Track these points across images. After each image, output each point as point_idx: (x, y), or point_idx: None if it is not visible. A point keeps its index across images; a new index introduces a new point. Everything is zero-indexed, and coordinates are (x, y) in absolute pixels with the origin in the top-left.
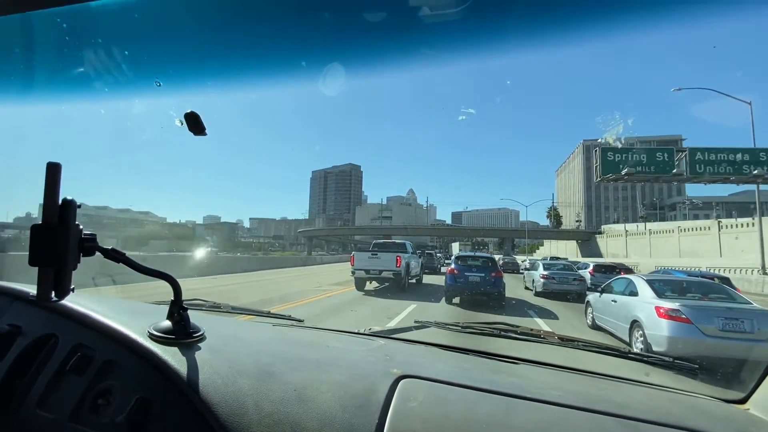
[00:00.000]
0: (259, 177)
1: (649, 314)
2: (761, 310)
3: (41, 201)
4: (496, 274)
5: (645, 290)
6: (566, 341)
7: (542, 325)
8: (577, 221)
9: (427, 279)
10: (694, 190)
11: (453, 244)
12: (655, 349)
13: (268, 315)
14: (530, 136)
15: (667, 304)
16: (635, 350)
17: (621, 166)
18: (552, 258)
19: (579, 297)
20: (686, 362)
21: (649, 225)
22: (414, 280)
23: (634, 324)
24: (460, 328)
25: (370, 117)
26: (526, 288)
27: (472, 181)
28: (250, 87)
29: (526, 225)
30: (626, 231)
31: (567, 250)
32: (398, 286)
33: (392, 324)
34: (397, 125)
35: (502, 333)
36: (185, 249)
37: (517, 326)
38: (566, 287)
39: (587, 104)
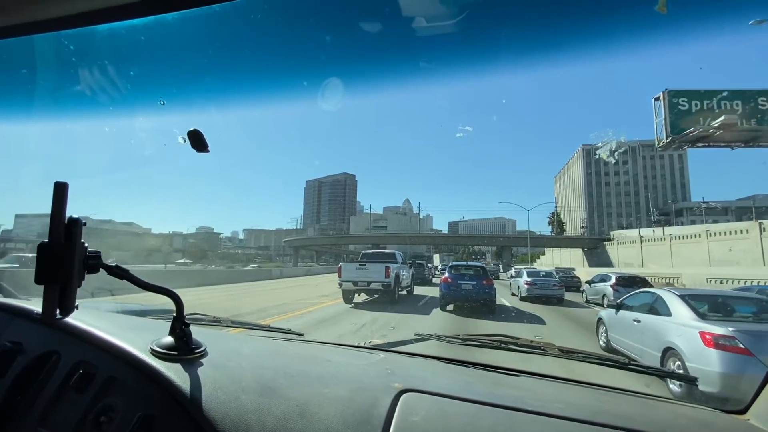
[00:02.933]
0: (256, 189)
1: (691, 341)
2: None
3: (17, 212)
4: (487, 282)
5: (680, 309)
6: (566, 353)
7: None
8: (582, 227)
9: (419, 290)
10: (698, 197)
11: (434, 256)
12: (702, 388)
13: (268, 329)
14: (526, 144)
15: (716, 329)
16: (670, 386)
17: (705, 120)
18: (557, 269)
19: (559, 301)
20: (686, 373)
21: (669, 229)
22: (405, 291)
23: (669, 352)
24: (460, 341)
25: (369, 130)
26: (513, 294)
27: (469, 191)
28: (252, 105)
29: (528, 232)
30: (641, 237)
31: (571, 259)
32: (388, 298)
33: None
34: (394, 137)
35: (503, 345)
36: (155, 261)
37: (518, 338)
38: (547, 292)
39: (583, 109)
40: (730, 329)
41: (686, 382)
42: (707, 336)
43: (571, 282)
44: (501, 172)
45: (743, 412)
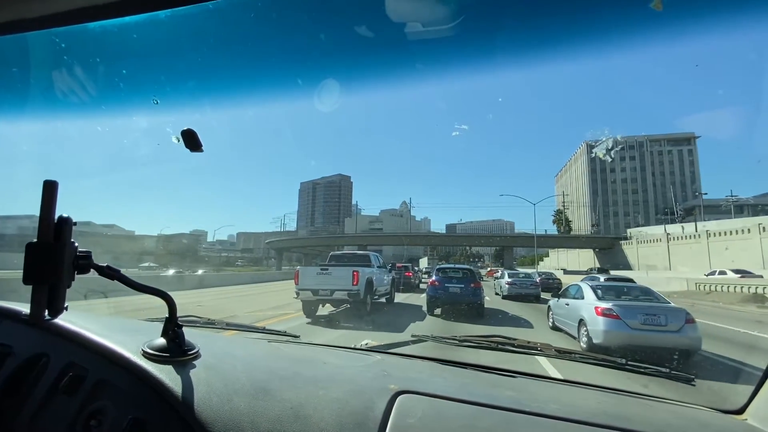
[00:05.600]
0: (251, 192)
1: (591, 313)
2: (673, 307)
3: None
4: (475, 284)
5: (589, 294)
6: (563, 353)
7: (516, 332)
8: (593, 225)
9: (404, 299)
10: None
11: (421, 259)
12: (594, 341)
13: (264, 331)
14: (525, 144)
15: (603, 305)
16: (583, 344)
17: None
18: (540, 272)
19: (536, 299)
20: (683, 373)
21: (703, 225)
22: (384, 299)
23: (581, 322)
24: (457, 342)
25: (365, 131)
26: (496, 293)
27: (467, 193)
28: (247, 104)
29: (526, 231)
30: (668, 235)
31: (581, 260)
32: (358, 310)
33: None
34: (391, 139)
35: (500, 346)
36: (122, 264)
37: (515, 339)
38: (525, 291)
39: (583, 107)
40: (610, 304)
41: (683, 383)
42: (598, 309)
43: (551, 284)
44: (500, 174)
45: (741, 412)
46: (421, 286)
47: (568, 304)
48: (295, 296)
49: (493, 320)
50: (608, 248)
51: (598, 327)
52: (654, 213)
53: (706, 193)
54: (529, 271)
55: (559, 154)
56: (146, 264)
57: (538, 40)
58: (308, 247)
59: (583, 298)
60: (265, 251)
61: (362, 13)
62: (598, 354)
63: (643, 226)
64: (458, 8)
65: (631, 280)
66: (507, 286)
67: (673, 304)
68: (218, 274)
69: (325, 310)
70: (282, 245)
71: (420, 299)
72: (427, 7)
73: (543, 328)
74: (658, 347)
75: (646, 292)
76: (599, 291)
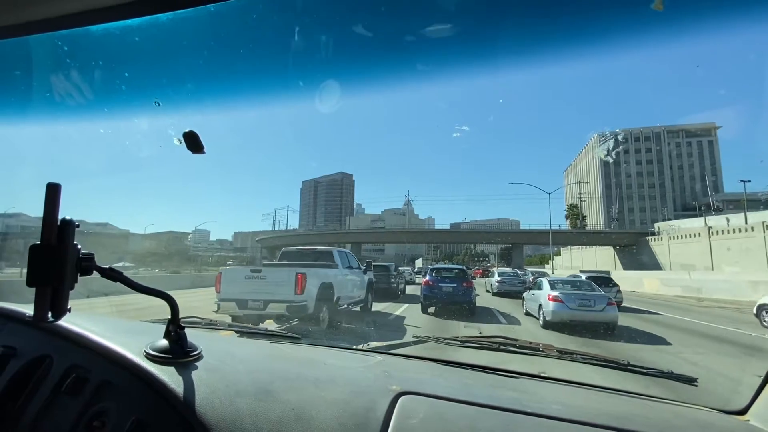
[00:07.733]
0: (252, 191)
1: (545, 299)
2: (600, 294)
3: None
4: (467, 284)
5: (546, 286)
6: (565, 354)
7: (504, 328)
8: (614, 219)
9: (381, 308)
10: (731, 188)
11: (416, 260)
12: (547, 319)
13: (266, 332)
14: (530, 141)
15: (554, 293)
16: (541, 322)
17: None
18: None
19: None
20: (684, 374)
21: (755, 215)
22: (358, 308)
23: (540, 306)
24: (459, 343)
25: (366, 131)
26: (487, 291)
27: (471, 193)
28: (248, 105)
29: (549, 224)
30: (709, 229)
31: (598, 260)
32: (307, 326)
33: None
34: (393, 139)
35: (501, 347)
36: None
37: (516, 339)
38: (513, 288)
39: (586, 106)
40: (558, 292)
41: (685, 383)
42: (549, 296)
43: None
44: (505, 172)
45: (743, 412)
46: (408, 290)
47: (534, 294)
48: (216, 309)
49: (483, 316)
50: (630, 245)
51: (549, 309)
52: (673, 208)
53: (749, 181)
54: (520, 271)
55: (563, 153)
56: (120, 264)
57: (539, 40)
58: (299, 244)
59: (542, 289)
60: (257, 250)
61: (363, 15)
62: (600, 355)
63: (665, 221)
64: (459, 9)
65: (608, 277)
66: (497, 283)
67: (601, 292)
68: (200, 274)
69: (269, 323)
70: (273, 243)
71: (402, 310)
72: (428, 7)
73: (526, 321)
74: (589, 321)
75: (588, 285)
76: (553, 283)
